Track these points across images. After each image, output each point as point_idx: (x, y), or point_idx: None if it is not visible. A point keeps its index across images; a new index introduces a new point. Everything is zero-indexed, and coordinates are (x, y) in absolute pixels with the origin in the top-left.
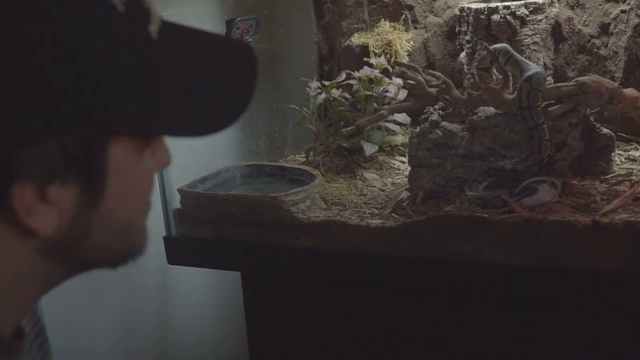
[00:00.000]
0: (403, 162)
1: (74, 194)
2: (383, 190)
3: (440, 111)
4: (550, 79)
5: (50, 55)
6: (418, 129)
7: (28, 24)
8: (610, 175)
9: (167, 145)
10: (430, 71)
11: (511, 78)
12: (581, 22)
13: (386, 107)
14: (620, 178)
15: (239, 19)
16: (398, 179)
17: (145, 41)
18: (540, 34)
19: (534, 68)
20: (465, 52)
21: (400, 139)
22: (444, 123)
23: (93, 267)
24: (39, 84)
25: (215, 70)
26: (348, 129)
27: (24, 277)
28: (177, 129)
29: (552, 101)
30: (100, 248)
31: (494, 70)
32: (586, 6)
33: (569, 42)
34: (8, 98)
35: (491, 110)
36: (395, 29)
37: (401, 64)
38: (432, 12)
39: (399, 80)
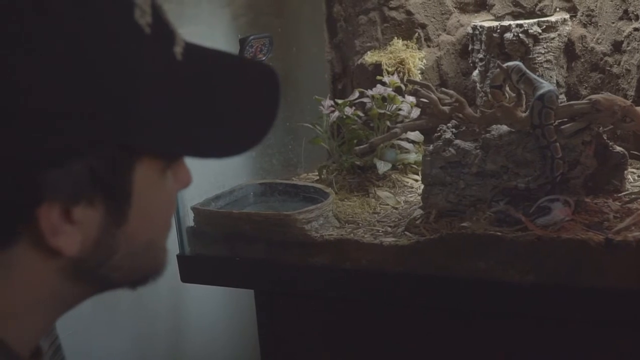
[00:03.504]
0: (416, 180)
1: (99, 215)
2: (396, 209)
3: (454, 129)
4: (562, 97)
5: (78, 77)
6: (431, 147)
7: (54, 45)
8: (623, 193)
9: (187, 166)
10: (444, 89)
11: (524, 96)
12: (594, 40)
13: (399, 125)
14: (633, 196)
15: (252, 37)
16: (411, 197)
17: (170, 63)
18: (553, 52)
19: (546, 86)
20: (478, 70)
21: (413, 157)
22: (457, 141)
23: (114, 287)
24: (67, 105)
25: (239, 92)
26: (361, 147)
27: (45, 296)
28: (201, 150)
29: (565, 119)
30: (123, 268)
31: (507, 88)
32: (599, 24)
33: (582, 60)
34: (36, 120)
35: (504, 128)
36: (408, 47)
37: (414, 82)
38: (445, 30)
39: (411, 99)
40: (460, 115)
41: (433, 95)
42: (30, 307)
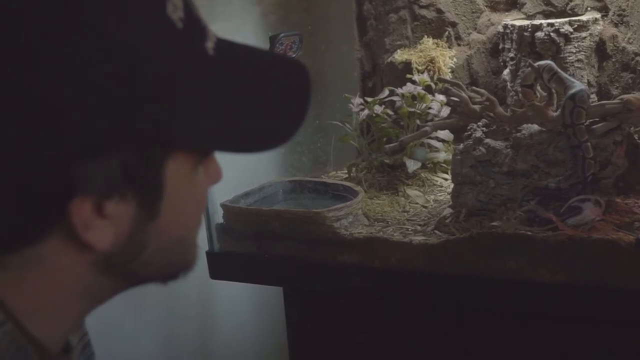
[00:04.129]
0: (445, 179)
1: (131, 209)
2: (425, 207)
3: (484, 128)
4: (594, 96)
5: (111, 72)
6: (461, 146)
7: (87, 40)
8: None
9: (218, 162)
10: (474, 88)
11: (555, 95)
12: (625, 39)
13: (430, 123)
14: None
15: (282, 35)
16: (440, 195)
17: (202, 58)
18: (585, 52)
19: (577, 85)
20: (509, 69)
21: (442, 155)
22: (487, 140)
23: (145, 282)
24: (100, 100)
25: (270, 87)
26: (391, 145)
27: (76, 291)
28: (233, 145)
29: (596, 119)
30: (154, 263)
31: (538, 88)
32: (630, 24)
33: (613, 59)
34: (69, 115)
35: (535, 127)
36: (438, 46)
37: (445, 81)
38: (476, 29)
39: (441, 97)
40: (491, 114)
41: (464, 94)
42: (61, 301)
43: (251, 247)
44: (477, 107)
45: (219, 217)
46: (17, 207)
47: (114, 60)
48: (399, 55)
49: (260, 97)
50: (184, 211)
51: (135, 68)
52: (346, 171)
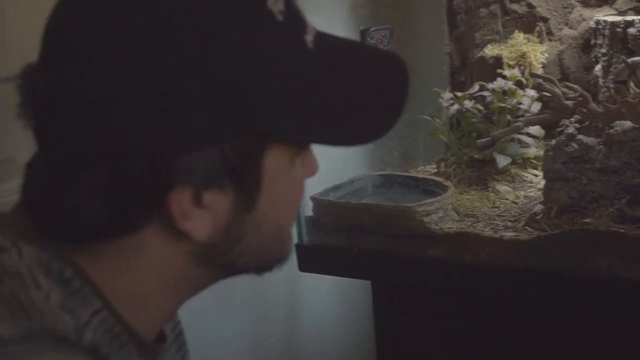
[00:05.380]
0: (535, 175)
1: (229, 200)
2: (516, 203)
3: (577, 124)
4: None
5: (212, 63)
6: (554, 142)
7: (188, 32)
8: None
9: (315, 154)
10: (567, 84)
11: None
12: None
13: (522, 119)
14: None
15: (373, 28)
16: (531, 192)
17: (302, 51)
18: None
19: None
20: (601, 65)
21: (533, 151)
22: (580, 136)
23: (240, 273)
24: (202, 92)
25: (368, 80)
26: (483, 140)
27: (172, 280)
28: (331, 138)
29: None
30: (250, 254)
31: (631, 84)
32: None
33: None
34: (172, 107)
35: (628, 124)
36: (529, 41)
37: (538, 76)
38: (567, 24)
39: (532, 93)
40: (584, 110)
41: (557, 90)
42: (157, 291)
43: (340, 240)
44: (570, 102)
45: (308, 209)
46: (116, 196)
47: (215, 53)
48: (490, 50)
49: (359, 90)
50: (281, 203)
51: (236, 60)
52: (434, 166)
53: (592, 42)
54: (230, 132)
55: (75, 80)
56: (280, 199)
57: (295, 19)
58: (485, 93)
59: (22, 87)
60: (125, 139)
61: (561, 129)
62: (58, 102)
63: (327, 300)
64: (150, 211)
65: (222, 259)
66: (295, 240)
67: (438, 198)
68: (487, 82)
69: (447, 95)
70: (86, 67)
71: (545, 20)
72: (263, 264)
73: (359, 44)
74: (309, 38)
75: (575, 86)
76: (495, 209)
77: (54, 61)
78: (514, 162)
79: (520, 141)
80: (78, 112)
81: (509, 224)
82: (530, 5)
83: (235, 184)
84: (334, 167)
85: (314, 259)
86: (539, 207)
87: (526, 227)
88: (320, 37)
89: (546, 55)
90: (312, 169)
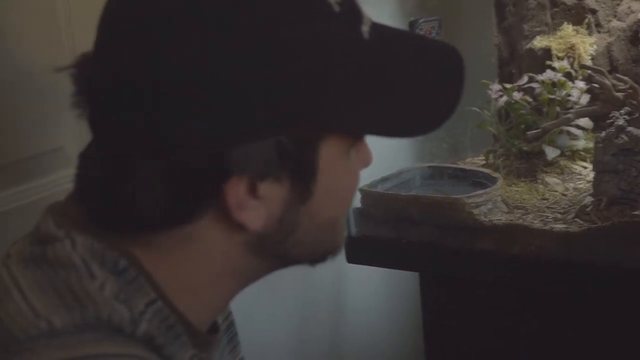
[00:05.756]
0: (584, 167)
1: (285, 191)
2: (565, 195)
3: (627, 116)
4: None
5: (270, 54)
6: (603, 133)
7: (247, 23)
8: None
9: (369, 146)
10: (617, 75)
11: None
12: None
13: (572, 110)
14: None
15: (422, 20)
16: (580, 184)
17: (358, 41)
18: None
19: None
20: None
21: (582, 143)
22: (630, 128)
23: (294, 263)
24: (260, 83)
25: (424, 71)
26: (534, 132)
27: (227, 271)
28: (386, 129)
29: None
30: (305, 244)
31: None
32: None
33: None
34: (230, 97)
35: None
36: (578, 33)
37: (588, 68)
38: (616, 16)
39: (581, 84)
40: (634, 102)
41: (607, 81)
42: (211, 281)
43: (388, 232)
44: (620, 94)
45: (356, 201)
46: (172, 186)
47: (272, 44)
48: (539, 42)
49: (415, 82)
50: (336, 194)
51: (293, 51)
52: (482, 158)
53: None
54: (286, 123)
55: (133, 70)
56: (335, 190)
57: (351, 10)
58: (534, 85)
59: (77, 76)
60: (184, 129)
61: (611, 121)
62: (115, 92)
63: (375, 292)
64: (206, 202)
65: (276, 250)
66: None
67: (487, 190)
68: (536, 74)
69: (496, 87)
70: (145, 58)
71: (593, 12)
72: (316, 255)
73: (414, 35)
74: (365, 29)
75: (625, 78)
76: (545, 201)
77: (111, 51)
78: (562, 154)
79: (569, 133)
80: (136, 103)
81: (559, 216)
82: None
83: (291, 174)
84: (382, 158)
85: (362, 251)
86: (588, 199)
87: (576, 219)
88: (377, 28)
89: (595, 47)
90: (366, 160)
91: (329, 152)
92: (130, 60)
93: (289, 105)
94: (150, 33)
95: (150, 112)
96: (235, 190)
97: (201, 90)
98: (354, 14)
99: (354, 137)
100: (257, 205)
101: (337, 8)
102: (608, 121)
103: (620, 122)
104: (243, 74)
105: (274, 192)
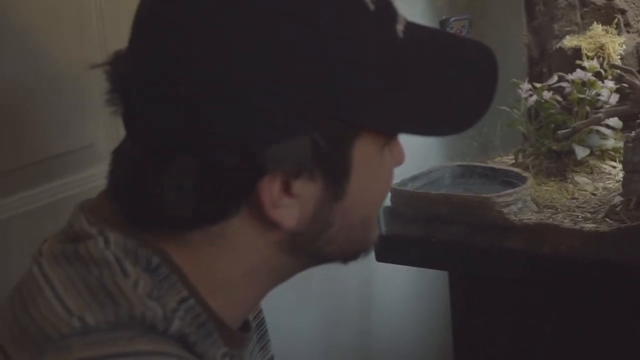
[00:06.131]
0: (614, 167)
1: (318, 189)
2: (594, 195)
3: None
4: None
5: (306, 52)
6: (633, 133)
7: (283, 22)
8: None
9: (401, 144)
10: None
11: None
12: None
13: (602, 110)
14: None
15: (452, 19)
16: (609, 183)
17: (392, 40)
18: None
19: None
20: None
21: (612, 143)
22: None
23: (327, 261)
24: (295, 80)
25: (458, 70)
26: (564, 131)
27: (259, 268)
28: (421, 128)
29: None
30: (338, 242)
31: None
32: None
33: None
34: (264, 96)
35: None
36: (607, 32)
37: (618, 67)
38: None
39: (610, 84)
40: None
41: (637, 81)
42: (244, 279)
43: (418, 230)
44: None
45: (386, 199)
46: (207, 183)
47: (306, 42)
48: (568, 41)
49: (449, 81)
50: (369, 192)
51: (328, 49)
52: (512, 157)
53: None
54: (321, 121)
55: (168, 69)
56: (369, 188)
57: (386, 8)
58: (564, 84)
59: (111, 74)
60: (218, 127)
61: None
62: (150, 90)
63: (404, 291)
64: (240, 199)
65: (309, 248)
66: None
67: (517, 189)
68: (566, 73)
69: (526, 86)
70: (180, 57)
71: (623, 12)
72: (349, 253)
73: (448, 34)
74: (400, 27)
75: None
76: (574, 200)
77: (147, 50)
78: (592, 154)
79: (598, 132)
80: (171, 101)
81: (589, 215)
82: None
83: (324, 172)
84: (412, 157)
85: (391, 249)
86: (618, 199)
87: (605, 219)
88: (411, 27)
89: (624, 47)
90: (399, 159)
91: (363, 150)
92: (164, 60)
93: (324, 104)
94: (183, 35)
95: (185, 111)
96: (269, 188)
97: (239, 89)
98: (389, 13)
99: (388, 135)
100: (290, 203)
101: (372, 7)
102: (637, 121)
103: None
104: (280, 72)
105: (307, 190)
